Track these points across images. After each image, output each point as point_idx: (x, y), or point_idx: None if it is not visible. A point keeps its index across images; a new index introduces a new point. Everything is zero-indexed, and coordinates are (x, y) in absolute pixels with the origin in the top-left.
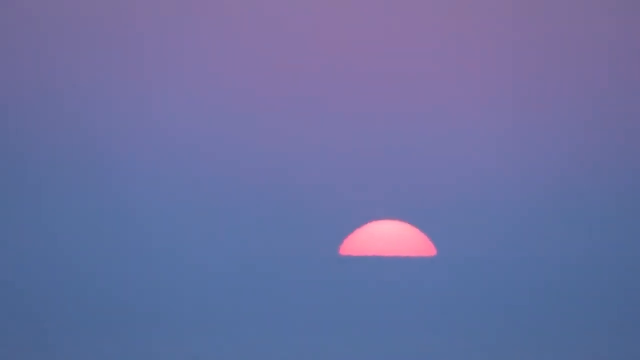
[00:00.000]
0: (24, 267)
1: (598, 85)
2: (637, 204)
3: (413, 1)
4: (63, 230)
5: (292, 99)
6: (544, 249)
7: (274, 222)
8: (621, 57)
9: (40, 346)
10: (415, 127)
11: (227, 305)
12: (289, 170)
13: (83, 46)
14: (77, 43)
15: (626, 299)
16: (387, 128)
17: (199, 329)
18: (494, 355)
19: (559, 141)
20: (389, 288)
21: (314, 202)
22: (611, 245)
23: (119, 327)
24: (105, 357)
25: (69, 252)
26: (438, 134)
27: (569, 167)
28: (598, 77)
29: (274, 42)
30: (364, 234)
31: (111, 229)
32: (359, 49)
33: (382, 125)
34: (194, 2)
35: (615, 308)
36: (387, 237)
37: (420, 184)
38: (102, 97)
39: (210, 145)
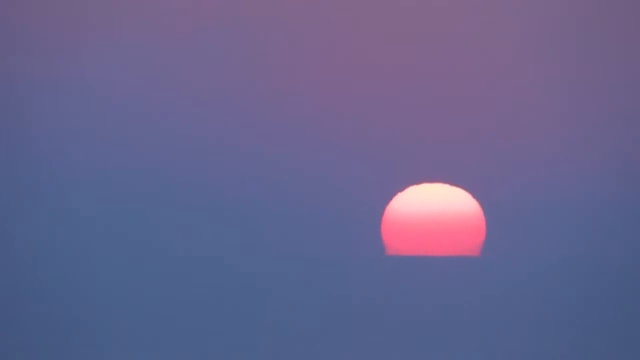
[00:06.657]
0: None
1: None
2: None
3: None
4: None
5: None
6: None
7: (302, 220)
8: None
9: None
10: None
11: (260, 309)
12: (316, 164)
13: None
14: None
15: None
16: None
17: (227, 332)
18: None
19: None
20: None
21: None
22: None
23: (128, 327)
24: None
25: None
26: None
27: None
28: None
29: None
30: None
31: (116, 227)
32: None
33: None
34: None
35: None
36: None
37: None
38: (100, 96)
39: (237, 138)
